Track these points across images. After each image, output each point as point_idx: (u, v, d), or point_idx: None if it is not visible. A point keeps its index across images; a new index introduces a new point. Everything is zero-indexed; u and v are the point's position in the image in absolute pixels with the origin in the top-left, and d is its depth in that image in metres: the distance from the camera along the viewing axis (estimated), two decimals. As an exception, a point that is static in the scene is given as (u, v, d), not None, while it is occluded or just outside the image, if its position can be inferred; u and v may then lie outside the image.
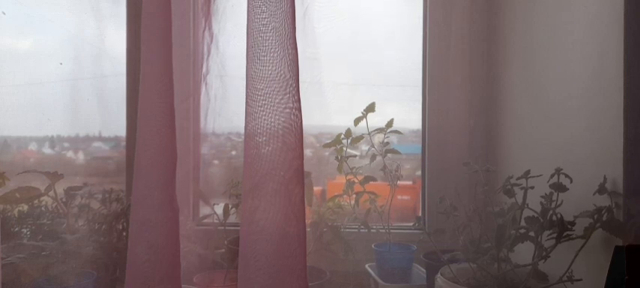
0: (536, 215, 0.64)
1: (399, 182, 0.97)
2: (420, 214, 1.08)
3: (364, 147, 1.00)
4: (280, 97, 0.56)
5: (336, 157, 0.97)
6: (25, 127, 0.98)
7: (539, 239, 0.64)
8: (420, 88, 1.09)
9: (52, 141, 1.02)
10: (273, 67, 0.57)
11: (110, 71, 1.02)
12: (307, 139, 1.03)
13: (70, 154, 1.04)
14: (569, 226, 0.61)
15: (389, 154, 0.96)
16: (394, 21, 1.12)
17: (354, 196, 0.97)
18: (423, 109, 1.09)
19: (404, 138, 1.08)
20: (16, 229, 0.77)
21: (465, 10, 1.05)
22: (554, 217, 0.63)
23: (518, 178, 0.67)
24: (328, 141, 0.98)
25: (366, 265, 0.97)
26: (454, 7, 1.05)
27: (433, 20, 1.06)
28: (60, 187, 0.82)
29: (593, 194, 0.64)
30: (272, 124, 0.57)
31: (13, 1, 0.94)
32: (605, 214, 0.62)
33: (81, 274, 0.71)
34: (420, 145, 1.09)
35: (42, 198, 0.81)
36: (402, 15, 1.14)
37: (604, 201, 0.64)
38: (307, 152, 1.04)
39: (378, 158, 0.96)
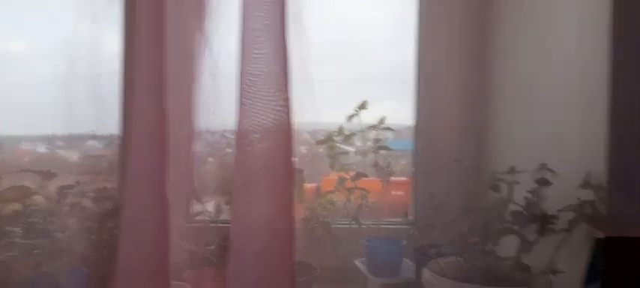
0: (520, 210, 0.66)
1: (393, 178, 0.99)
2: (411, 210, 1.09)
3: (360, 143, 1.02)
4: (272, 95, 0.57)
5: (328, 154, 0.98)
6: (19, 126, 0.98)
7: (523, 233, 0.65)
8: (414, 85, 1.10)
9: (46, 140, 1.02)
10: (265, 66, 0.58)
11: (104, 70, 1.03)
12: (302, 135, 1.04)
13: (63, 152, 1.04)
14: (552, 220, 0.63)
15: (382, 151, 0.97)
16: (388, 20, 1.14)
17: (345, 191, 0.98)
18: (415, 107, 1.10)
19: (399, 134, 1.10)
20: (9, 227, 0.78)
21: (458, 10, 1.06)
22: (536, 212, 0.64)
23: (502, 174, 0.68)
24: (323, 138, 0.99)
25: (356, 261, 0.99)
26: (447, 6, 1.06)
27: (427, 19, 1.08)
28: (53, 186, 0.83)
29: (577, 188, 0.65)
30: (264, 122, 0.58)
31: (7, 1, 0.94)
32: (589, 208, 0.63)
33: (72, 272, 0.72)
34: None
35: (34, 196, 0.82)
36: (397, 14, 1.15)
37: (589, 195, 0.65)
38: (302, 149, 1.05)
39: (372, 155, 0.98)
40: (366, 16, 1.12)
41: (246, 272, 0.59)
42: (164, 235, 0.62)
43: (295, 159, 0.99)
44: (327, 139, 0.98)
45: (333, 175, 1.01)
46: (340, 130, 0.97)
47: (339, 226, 0.97)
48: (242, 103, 0.58)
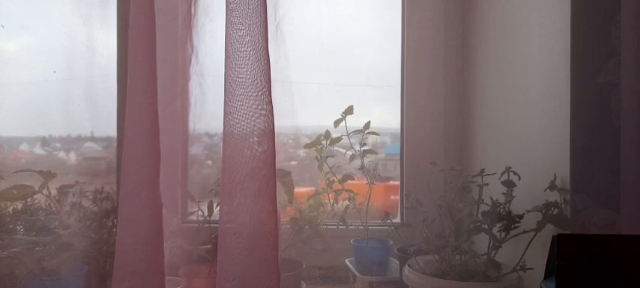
0: (490, 210, 0.70)
1: (380, 182, 1.03)
2: (397, 211, 1.14)
3: (356, 146, 1.05)
4: (255, 102, 0.62)
5: (316, 157, 1.02)
6: (17, 128, 1.01)
7: (492, 231, 0.70)
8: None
9: (44, 141, 1.05)
10: (248, 75, 0.62)
11: (102, 72, 1.06)
12: (301, 139, 1.08)
13: (61, 154, 1.07)
14: (518, 219, 0.67)
15: (369, 154, 1.02)
16: (376, 27, 1.19)
17: (333, 193, 1.02)
18: (401, 111, 1.15)
19: (396, 138, 1.15)
20: (11, 226, 0.81)
21: (442, 15, 1.11)
22: (502, 211, 0.69)
23: (474, 176, 0.72)
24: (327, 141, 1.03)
25: (346, 260, 1.03)
26: (429, 15, 1.11)
27: (410, 27, 1.12)
28: (52, 186, 0.86)
29: (545, 191, 0.70)
30: (247, 126, 0.62)
31: (4, 1, 0.96)
32: (554, 209, 0.68)
33: (73, 267, 0.76)
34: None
35: (35, 196, 0.85)
36: (384, 21, 1.20)
37: (555, 197, 0.70)
38: (301, 153, 1.09)
39: (360, 158, 1.02)
40: (355, 23, 1.17)
41: (235, 269, 0.63)
42: (158, 230, 0.66)
43: (291, 163, 1.04)
44: (315, 143, 1.02)
45: (322, 178, 1.05)
46: (327, 135, 1.01)
47: (328, 227, 1.01)
48: (226, 111, 0.62)
